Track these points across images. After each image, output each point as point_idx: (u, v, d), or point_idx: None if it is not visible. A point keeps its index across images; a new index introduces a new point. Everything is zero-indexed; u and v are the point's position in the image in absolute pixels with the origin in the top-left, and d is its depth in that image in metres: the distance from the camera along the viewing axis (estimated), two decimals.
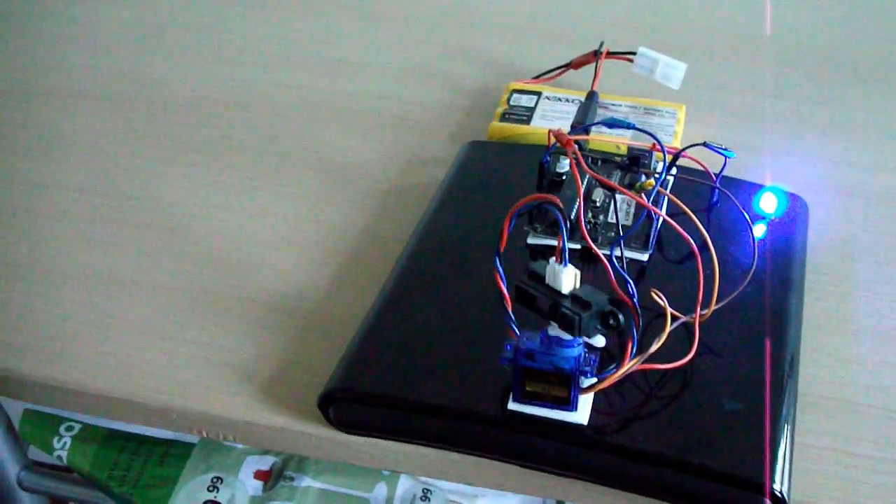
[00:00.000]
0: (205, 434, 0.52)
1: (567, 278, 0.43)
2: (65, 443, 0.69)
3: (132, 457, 0.68)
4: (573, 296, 0.43)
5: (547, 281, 0.44)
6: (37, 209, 0.65)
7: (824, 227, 0.61)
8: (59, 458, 0.69)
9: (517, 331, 0.44)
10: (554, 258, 0.43)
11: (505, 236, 0.43)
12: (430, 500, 0.65)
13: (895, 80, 0.77)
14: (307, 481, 0.65)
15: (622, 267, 0.48)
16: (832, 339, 0.54)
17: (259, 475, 0.66)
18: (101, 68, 0.80)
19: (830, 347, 0.53)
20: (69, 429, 0.70)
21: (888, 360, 0.53)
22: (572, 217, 0.51)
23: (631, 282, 0.45)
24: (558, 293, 0.43)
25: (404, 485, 0.65)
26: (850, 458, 0.47)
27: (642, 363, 0.45)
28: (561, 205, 0.42)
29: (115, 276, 0.59)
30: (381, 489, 0.65)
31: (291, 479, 0.65)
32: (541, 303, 0.43)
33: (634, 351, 0.45)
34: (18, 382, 0.54)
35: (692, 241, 0.48)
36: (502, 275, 0.44)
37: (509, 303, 0.44)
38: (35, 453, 0.73)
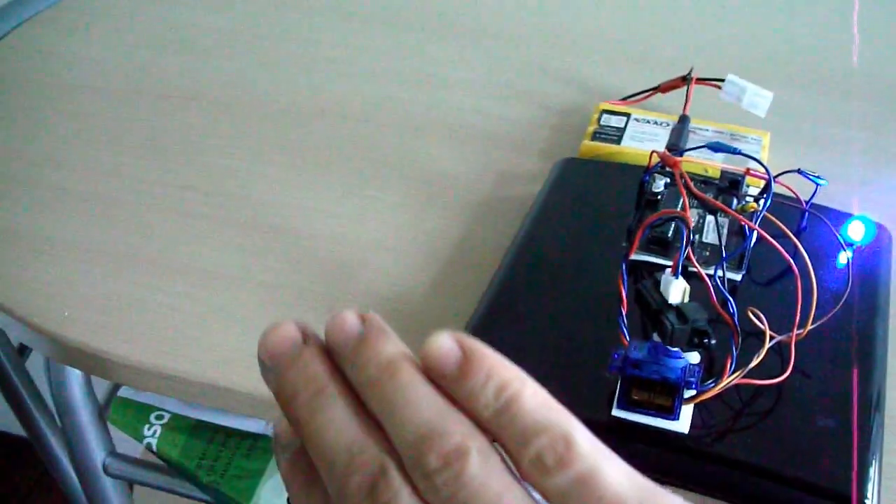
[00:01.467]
0: None
1: (676, 290, 0.45)
2: (155, 431, 0.71)
3: (220, 448, 0.71)
4: (677, 308, 0.46)
5: (661, 288, 0.46)
6: (144, 204, 0.67)
7: None
8: (149, 445, 0.71)
9: (626, 334, 0.46)
10: (669, 269, 0.45)
11: (636, 243, 0.45)
12: None
13: None
14: None
15: (724, 286, 0.50)
16: None
17: None
18: (206, 72, 0.83)
19: None
20: (159, 417, 0.72)
21: None
22: (670, 236, 0.53)
23: (731, 300, 0.47)
24: (666, 303, 0.45)
25: None
26: None
27: (740, 378, 0.47)
28: (691, 223, 0.44)
29: (219, 271, 0.62)
30: None
31: None
32: (649, 308, 0.46)
33: (734, 366, 0.47)
34: (126, 367, 0.57)
35: (793, 262, 0.50)
36: (626, 279, 0.46)
37: (625, 305, 0.46)
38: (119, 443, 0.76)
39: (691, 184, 0.49)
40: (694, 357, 0.48)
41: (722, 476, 0.47)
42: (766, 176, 0.56)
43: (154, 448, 0.71)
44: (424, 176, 0.69)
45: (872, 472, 0.46)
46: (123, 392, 0.74)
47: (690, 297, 0.47)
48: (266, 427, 0.72)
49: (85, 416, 0.72)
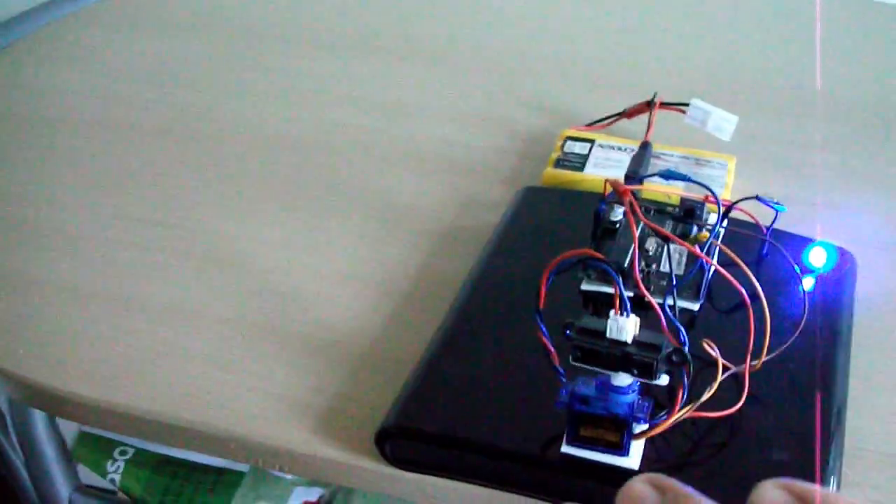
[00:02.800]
0: (261, 463, 0.54)
1: (630, 327, 0.44)
2: (118, 466, 0.71)
3: (183, 483, 0.70)
4: (638, 342, 0.45)
5: (610, 335, 0.45)
6: (103, 238, 0.67)
7: (872, 283, 0.61)
8: (112, 481, 0.71)
9: (564, 381, 0.45)
10: (613, 311, 0.44)
11: (543, 293, 0.45)
12: None
13: None
14: None
15: (675, 315, 0.49)
16: (879, 393, 0.54)
17: None
18: (165, 103, 0.83)
19: (878, 402, 0.54)
20: (123, 453, 0.72)
21: None
22: (626, 265, 0.53)
23: (683, 330, 0.46)
24: (621, 343, 0.44)
25: None
26: None
27: (693, 411, 0.46)
28: (603, 257, 0.43)
29: (177, 306, 0.61)
30: None
31: None
32: (604, 357, 0.45)
33: (685, 399, 0.46)
34: (81, 406, 0.56)
35: (744, 291, 0.49)
36: (545, 331, 0.45)
37: (556, 357, 0.46)
38: (85, 476, 0.75)
39: (640, 212, 0.48)
40: (664, 380, 0.47)
41: None
42: (726, 203, 0.56)
43: (117, 484, 0.70)
44: (386, 206, 0.69)
45: None
46: (88, 427, 0.73)
47: (641, 328, 0.47)
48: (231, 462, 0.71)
49: (50, 451, 0.71)
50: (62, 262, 0.64)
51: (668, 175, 0.53)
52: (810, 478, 0.46)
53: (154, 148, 0.77)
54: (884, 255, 0.64)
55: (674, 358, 0.44)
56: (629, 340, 0.45)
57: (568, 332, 0.45)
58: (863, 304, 0.59)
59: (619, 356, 0.45)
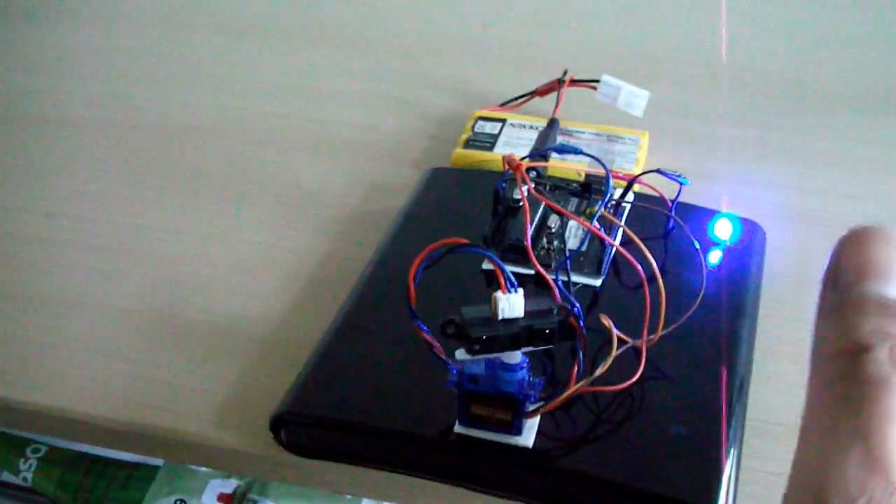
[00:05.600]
0: (160, 454, 0.53)
1: (521, 301, 0.43)
2: (31, 464, 0.69)
3: (96, 479, 0.69)
4: (531, 313, 0.43)
5: (502, 315, 0.43)
6: (7, 233, 0.65)
7: (782, 255, 0.61)
8: (25, 479, 0.69)
9: (453, 368, 0.44)
10: (500, 291, 0.43)
11: (412, 290, 0.43)
12: None
13: (859, 108, 0.78)
14: None
15: (569, 291, 0.48)
16: (785, 365, 0.54)
17: (222, 498, 0.67)
18: (69, 93, 0.81)
19: (783, 374, 0.53)
20: (35, 451, 0.70)
21: None
22: (524, 242, 0.52)
23: (577, 304, 0.46)
24: (514, 320, 0.43)
25: None
26: None
27: (588, 386, 0.45)
28: (467, 242, 0.42)
29: (76, 298, 0.60)
30: None
31: (254, 502, 0.66)
32: (501, 340, 0.43)
33: (580, 374, 0.45)
34: None
35: (639, 266, 0.48)
36: (423, 328, 0.44)
37: (441, 350, 0.45)
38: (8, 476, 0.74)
39: (531, 187, 0.48)
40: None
41: (569, 491, 0.45)
42: (627, 177, 0.55)
43: (29, 482, 0.69)
44: (292, 192, 0.68)
45: (727, 478, 0.45)
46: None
47: (526, 300, 0.45)
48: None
49: None
50: None
51: (561, 149, 0.52)
52: (711, 450, 0.45)
53: (56, 139, 0.75)
54: (794, 227, 0.64)
55: (563, 315, 0.43)
56: (522, 314, 0.43)
57: (448, 331, 0.43)
58: (772, 276, 0.59)
59: (515, 334, 0.43)
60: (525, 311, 0.43)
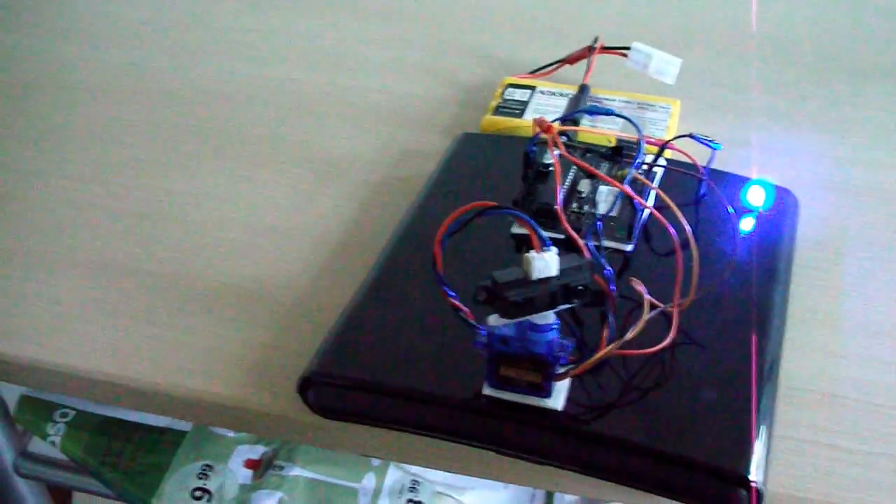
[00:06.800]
0: (187, 417, 0.53)
1: (554, 259, 0.42)
2: (59, 429, 0.70)
3: (124, 443, 0.69)
4: (564, 271, 0.43)
5: (536, 276, 0.42)
6: (31, 196, 0.65)
7: (816, 223, 0.60)
8: (53, 443, 0.69)
9: (484, 334, 0.44)
10: (533, 250, 0.42)
11: (439, 257, 0.43)
12: (417, 491, 0.65)
13: (891, 77, 0.77)
14: (296, 470, 0.65)
15: (600, 254, 0.48)
16: (818, 332, 0.53)
17: (249, 464, 0.67)
18: (95, 60, 0.81)
19: (816, 341, 0.53)
20: (63, 415, 0.70)
21: (874, 354, 0.52)
22: (554, 205, 0.51)
23: (608, 267, 0.45)
24: (548, 280, 0.42)
25: (393, 476, 0.66)
26: (831, 450, 0.47)
27: (618, 350, 0.45)
28: (497, 204, 0.42)
29: (106, 262, 0.60)
30: (369, 480, 0.65)
31: (281, 468, 0.66)
32: (536, 302, 0.43)
33: (610, 337, 0.45)
34: (10, 365, 0.55)
35: (672, 230, 0.48)
36: (450, 293, 0.44)
37: (470, 315, 0.44)
38: (37, 444, 0.74)
39: (562, 148, 0.47)
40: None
41: (599, 455, 0.45)
42: (659, 142, 0.55)
43: (58, 446, 0.69)
44: (322, 158, 0.67)
45: (760, 445, 0.44)
46: (29, 390, 0.72)
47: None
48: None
49: None
50: None
51: (591, 111, 0.51)
52: (743, 416, 0.45)
53: (80, 105, 0.75)
54: (828, 195, 0.63)
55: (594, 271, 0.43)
56: (556, 273, 0.43)
57: (479, 299, 0.42)
58: (805, 244, 0.58)
59: (552, 293, 0.43)
60: (561, 270, 0.43)
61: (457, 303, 0.44)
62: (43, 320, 0.56)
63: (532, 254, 0.42)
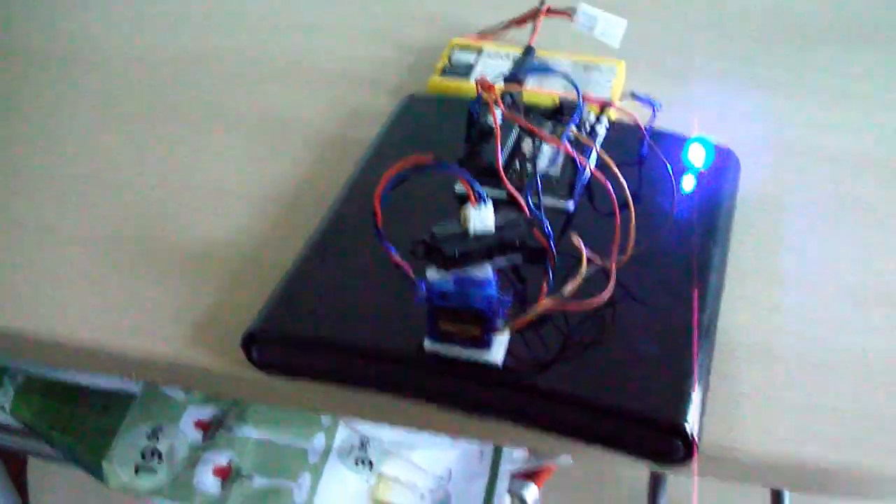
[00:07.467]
0: (134, 376, 0.53)
1: (490, 214, 0.43)
2: (8, 393, 0.70)
3: (74, 407, 0.69)
4: (501, 227, 0.44)
5: (474, 230, 0.43)
6: None
7: (757, 182, 0.61)
8: (2, 407, 0.69)
9: (424, 289, 0.44)
10: (469, 204, 0.43)
11: (378, 211, 0.44)
12: (367, 450, 0.66)
13: (838, 41, 0.78)
14: (246, 431, 0.66)
15: (540, 211, 0.49)
16: (756, 288, 0.54)
17: (199, 425, 0.67)
18: (41, 27, 0.81)
19: (754, 296, 0.54)
20: (13, 379, 0.70)
21: (811, 309, 0.53)
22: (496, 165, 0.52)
23: (547, 223, 0.46)
24: (486, 235, 0.43)
25: (342, 435, 0.66)
26: (768, 402, 0.48)
27: (560, 304, 0.46)
28: (431, 160, 0.42)
29: (49, 225, 0.59)
30: (319, 439, 0.66)
31: (231, 428, 0.66)
32: (474, 255, 0.44)
33: (549, 291, 0.46)
34: None
35: (611, 187, 0.48)
36: (390, 248, 0.44)
37: (409, 270, 0.45)
38: None
39: (503, 107, 0.48)
40: None
41: (538, 408, 0.46)
42: (600, 101, 0.55)
43: (7, 410, 0.69)
44: (270, 121, 0.67)
45: (696, 397, 0.45)
46: None
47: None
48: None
49: None
50: None
51: (532, 69, 0.52)
52: (681, 369, 0.46)
53: (24, 72, 0.75)
54: (770, 156, 0.64)
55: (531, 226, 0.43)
56: (492, 228, 0.43)
57: (418, 253, 0.43)
58: (746, 203, 0.59)
59: (487, 248, 0.44)
60: (497, 225, 0.44)
61: (397, 258, 0.45)
62: None
63: (468, 207, 0.43)
